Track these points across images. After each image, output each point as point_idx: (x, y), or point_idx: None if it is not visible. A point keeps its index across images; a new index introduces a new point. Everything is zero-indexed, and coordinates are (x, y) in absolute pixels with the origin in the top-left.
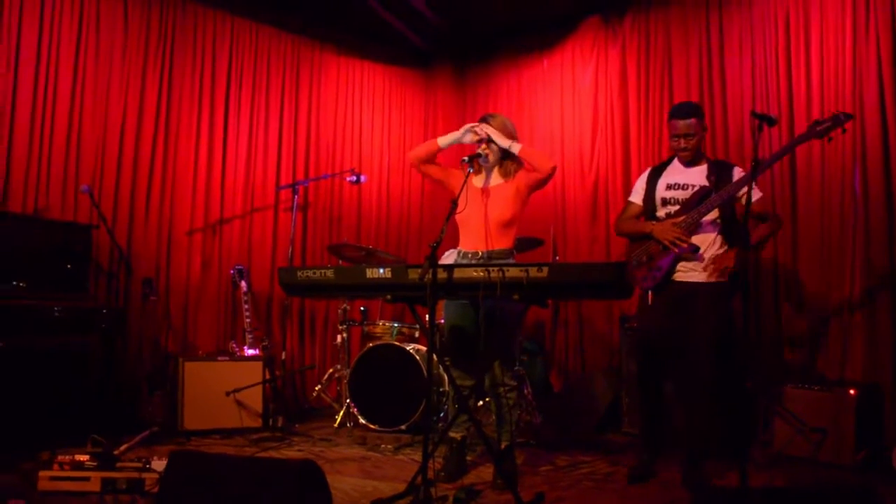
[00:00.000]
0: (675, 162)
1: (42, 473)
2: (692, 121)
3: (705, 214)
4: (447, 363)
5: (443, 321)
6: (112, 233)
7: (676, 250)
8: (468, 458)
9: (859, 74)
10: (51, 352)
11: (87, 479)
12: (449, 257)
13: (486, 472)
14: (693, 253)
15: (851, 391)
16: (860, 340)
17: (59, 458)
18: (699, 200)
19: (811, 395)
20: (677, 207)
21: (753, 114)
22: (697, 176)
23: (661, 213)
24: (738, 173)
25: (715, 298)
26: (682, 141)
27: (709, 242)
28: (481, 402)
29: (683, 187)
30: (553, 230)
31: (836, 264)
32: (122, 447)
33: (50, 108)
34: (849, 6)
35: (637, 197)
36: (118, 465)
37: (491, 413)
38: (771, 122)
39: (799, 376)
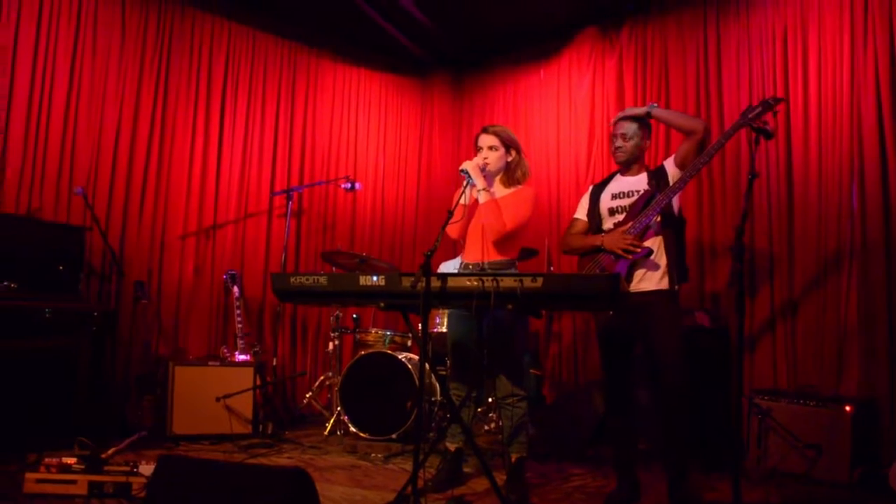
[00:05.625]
0: (617, 176)
1: (28, 475)
2: (633, 125)
3: (653, 217)
4: (444, 373)
5: (444, 329)
6: (105, 235)
7: (630, 257)
8: (466, 469)
9: (857, 89)
10: (40, 353)
11: (73, 482)
12: (449, 268)
13: (480, 483)
14: (647, 257)
15: (847, 407)
16: (856, 356)
17: (46, 460)
18: (645, 204)
19: (806, 411)
20: (624, 215)
21: (751, 127)
22: (639, 183)
23: (608, 224)
24: (668, 165)
25: (673, 304)
26: (619, 140)
27: (658, 244)
28: (480, 409)
29: (628, 194)
30: (548, 241)
31: (833, 279)
32: (110, 451)
33: (45, 109)
34: (847, 21)
35: (581, 213)
36: (105, 468)
37: (483, 423)
38: (768, 135)
39: (794, 391)
